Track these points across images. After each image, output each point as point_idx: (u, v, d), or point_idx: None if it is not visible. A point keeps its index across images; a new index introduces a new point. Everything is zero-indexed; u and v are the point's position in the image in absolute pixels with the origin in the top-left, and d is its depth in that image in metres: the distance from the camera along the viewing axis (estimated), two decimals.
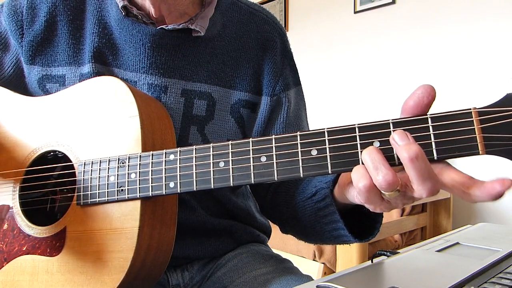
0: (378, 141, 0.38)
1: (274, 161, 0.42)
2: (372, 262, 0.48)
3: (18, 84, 0.64)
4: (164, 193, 0.47)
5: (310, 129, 0.72)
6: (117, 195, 0.49)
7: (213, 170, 0.44)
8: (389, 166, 0.36)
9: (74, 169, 0.53)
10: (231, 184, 0.43)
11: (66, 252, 0.51)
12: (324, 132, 0.40)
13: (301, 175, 0.41)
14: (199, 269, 0.67)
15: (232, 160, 0.44)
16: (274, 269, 0.63)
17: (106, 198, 0.50)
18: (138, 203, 0.48)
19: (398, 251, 0.51)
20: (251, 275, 0.62)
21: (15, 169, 0.57)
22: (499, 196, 0.33)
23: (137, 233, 0.47)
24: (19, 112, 0.59)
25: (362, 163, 0.38)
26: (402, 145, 0.35)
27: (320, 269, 1.67)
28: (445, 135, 0.36)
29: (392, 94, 2.34)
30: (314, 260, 1.70)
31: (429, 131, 0.37)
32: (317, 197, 0.53)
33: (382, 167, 0.36)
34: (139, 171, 0.48)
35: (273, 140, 0.42)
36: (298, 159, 0.41)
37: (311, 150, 0.40)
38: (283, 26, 0.81)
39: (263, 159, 0.42)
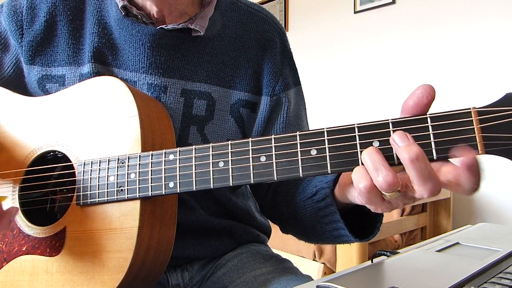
0: (378, 140, 0.38)
1: (274, 161, 0.42)
2: (372, 262, 0.48)
3: (18, 84, 0.64)
4: (163, 193, 0.47)
5: (309, 129, 0.72)
6: (116, 195, 0.49)
7: (212, 170, 0.44)
8: (389, 166, 0.36)
9: (74, 169, 0.53)
10: (231, 184, 0.43)
11: (65, 252, 0.51)
12: (323, 132, 0.40)
13: (301, 175, 0.41)
14: (199, 269, 0.67)
15: (231, 160, 0.43)
16: (274, 269, 0.63)
17: (106, 198, 0.50)
18: (137, 203, 0.48)
19: (398, 251, 0.51)
20: (251, 275, 0.62)
21: (15, 169, 0.57)
22: (474, 166, 0.34)
23: (136, 233, 0.47)
24: (19, 112, 0.59)
25: (362, 164, 0.38)
26: (403, 146, 0.35)
27: (320, 269, 1.67)
28: (445, 134, 0.36)
29: (391, 94, 2.34)
30: (314, 260, 1.70)
31: (429, 131, 0.37)
32: (317, 197, 0.53)
33: (382, 168, 0.36)
34: (139, 171, 0.48)
35: (273, 140, 0.42)
36: (298, 159, 0.41)
37: (310, 150, 0.40)
38: (283, 26, 0.81)
39: (263, 159, 0.42)
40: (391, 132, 0.38)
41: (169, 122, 0.56)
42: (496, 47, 1.95)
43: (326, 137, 0.40)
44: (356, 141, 0.39)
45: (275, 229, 0.80)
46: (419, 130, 0.37)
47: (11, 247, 0.55)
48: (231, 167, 0.43)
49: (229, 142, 0.44)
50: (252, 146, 0.43)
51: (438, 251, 0.52)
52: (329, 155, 0.40)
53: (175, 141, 0.56)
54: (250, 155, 0.43)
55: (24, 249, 0.54)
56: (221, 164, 0.44)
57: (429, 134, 0.37)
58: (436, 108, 0.37)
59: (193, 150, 0.46)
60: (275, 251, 0.73)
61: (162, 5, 0.59)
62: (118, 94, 0.52)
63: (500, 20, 1.93)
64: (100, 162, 0.51)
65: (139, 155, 0.49)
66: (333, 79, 2.65)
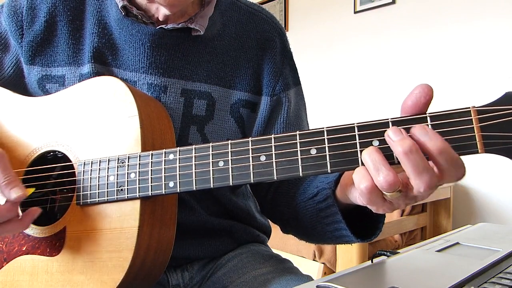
0: (377, 140, 0.38)
1: (274, 160, 0.42)
2: (372, 262, 0.48)
3: (18, 84, 0.64)
4: (163, 192, 0.47)
5: (309, 129, 0.72)
6: (116, 195, 0.49)
7: (212, 170, 0.44)
8: (390, 166, 0.36)
9: (74, 169, 0.53)
10: (231, 184, 0.43)
11: (65, 252, 0.51)
12: (323, 131, 0.40)
13: (301, 174, 0.41)
14: (199, 269, 0.67)
15: (231, 159, 0.43)
16: (274, 269, 0.63)
17: (106, 198, 0.50)
18: (137, 203, 0.48)
19: (398, 251, 0.51)
20: (251, 275, 0.62)
21: (15, 169, 0.57)
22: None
23: (136, 233, 0.47)
24: (19, 112, 0.59)
25: (363, 164, 0.38)
26: (397, 140, 0.35)
27: (320, 269, 1.67)
28: (444, 134, 0.36)
29: (391, 94, 2.34)
30: (314, 260, 1.70)
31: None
32: (318, 198, 0.53)
33: (382, 168, 0.36)
34: (139, 171, 0.48)
35: (273, 140, 0.42)
36: (297, 158, 0.41)
37: (310, 149, 0.40)
38: (283, 26, 0.81)
39: (263, 158, 0.42)
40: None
41: (169, 122, 0.56)
42: (496, 47, 1.95)
43: (325, 137, 0.40)
44: (356, 140, 0.39)
45: (275, 229, 0.80)
46: None
47: (11, 247, 0.55)
48: (231, 167, 0.43)
49: (229, 141, 0.44)
50: (252, 146, 0.43)
51: (438, 251, 0.52)
52: (329, 154, 0.40)
53: (175, 141, 0.56)
54: (250, 155, 0.43)
55: (24, 249, 0.54)
56: (221, 163, 0.44)
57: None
58: (435, 107, 0.38)
59: (193, 150, 0.46)
60: (275, 251, 0.73)
61: (175, 9, 0.58)
62: (118, 94, 0.52)
63: (500, 20, 1.93)
64: (100, 162, 0.51)
65: (139, 155, 0.49)
66: (333, 79, 2.65)
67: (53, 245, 0.52)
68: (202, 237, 0.66)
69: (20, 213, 0.49)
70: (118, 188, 0.49)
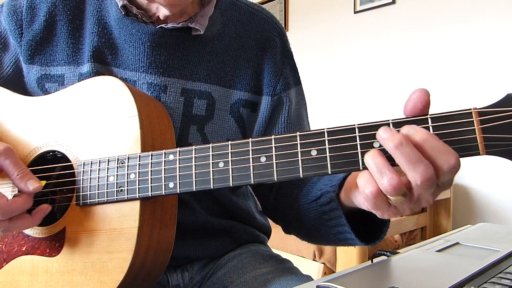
0: (378, 141, 0.38)
1: (274, 161, 0.42)
2: (372, 262, 0.48)
3: (17, 84, 0.64)
4: (163, 193, 0.47)
5: (310, 128, 0.72)
6: (116, 196, 0.49)
7: (212, 171, 0.44)
8: (393, 169, 0.36)
9: (73, 169, 0.53)
10: (231, 185, 0.43)
11: (65, 252, 0.51)
12: (323, 132, 0.40)
13: (301, 176, 0.40)
14: (199, 269, 0.67)
15: (231, 160, 0.43)
16: (274, 269, 0.63)
17: (106, 199, 0.50)
18: (137, 204, 0.48)
19: (398, 251, 0.51)
20: (251, 275, 0.62)
21: None
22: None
23: (136, 234, 0.47)
24: (18, 112, 0.59)
25: (366, 168, 0.38)
26: (387, 137, 0.36)
27: (320, 269, 1.67)
28: (445, 135, 0.36)
29: (392, 94, 2.34)
30: (314, 260, 1.70)
31: (430, 132, 0.37)
32: (322, 200, 0.52)
33: (386, 171, 0.36)
34: (139, 171, 0.48)
35: (273, 140, 0.42)
36: (298, 159, 0.41)
37: (310, 150, 0.40)
38: (283, 26, 0.81)
39: (263, 159, 0.42)
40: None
41: (169, 121, 0.56)
42: (496, 47, 1.95)
43: (326, 138, 0.40)
44: (356, 141, 0.39)
45: (275, 229, 0.80)
46: None
47: (11, 247, 0.55)
48: (231, 168, 0.43)
49: (229, 142, 0.44)
50: (252, 147, 0.43)
51: (438, 251, 0.52)
52: (330, 155, 0.39)
53: (175, 141, 0.56)
54: (250, 156, 0.43)
55: (24, 249, 0.54)
56: (221, 164, 0.44)
57: (434, 134, 0.36)
58: (436, 108, 0.37)
59: (193, 151, 0.46)
60: (275, 251, 0.73)
61: (175, 9, 0.58)
62: (118, 94, 0.52)
63: (500, 20, 1.93)
64: (99, 162, 0.51)
65: (139, 155, 0.49)
66: (333, 79, 2.65)
67: (52, 246, 0.52)
68: (202, 237, 0.66)
69: None
70: (117, 189, 0.49)
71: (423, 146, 0.35)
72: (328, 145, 0.40)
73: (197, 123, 0.62)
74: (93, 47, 0.60)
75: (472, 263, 0.45)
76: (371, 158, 0.37)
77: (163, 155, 0.47)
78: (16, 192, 0.54)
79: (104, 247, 0.49)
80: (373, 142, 0.38)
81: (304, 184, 0.61)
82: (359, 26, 2.51)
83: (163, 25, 0.59)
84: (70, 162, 0.53)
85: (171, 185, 0.46)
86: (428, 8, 2.19)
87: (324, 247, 1.68)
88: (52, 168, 0.56)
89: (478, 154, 0.35)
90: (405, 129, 0.36)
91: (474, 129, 0.35)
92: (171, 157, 0.47)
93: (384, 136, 0.36)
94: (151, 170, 0.47)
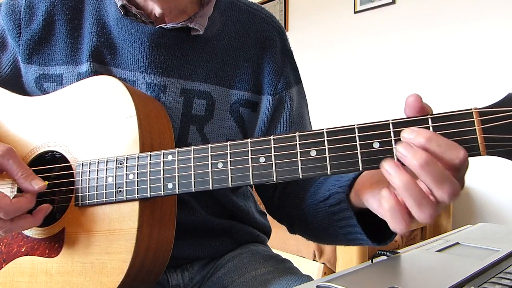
0: (378, 142, 0.38)
1: (273, 161, 0.41)
2: (372, 262, 0.48)
3: (15, 83, 0.64)
4: (162, 194, 0.47)
5: (312, 127, 0.72)
6: (115, 196, 0.49)
7: (211, 171, 0.44)
8: (430, 199, 0.35)
9: (72, 170, 0.53)
10: (230, 185, 0.43)
11: (64, 253, 0.51)
12: (323, 132, 0.40)
13: (300, 176, 0.40)
14: (199, 269, 0.67)
15: (230, 161, 0.43)
16: (274, 269, 0.63)
17: (104, 199, 0.49)
18: (136, 204, 0.48)
19: (398, 251, 0.51)
20: (251, 275, 0.62)
21: None
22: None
23: (135, 235, 0.47)
24: (16, 112, 0.59)
25: (366, 169, 0.37)
26: (410, 155, 0.34)
27: (320, 269, 1.67)
28: (446, 135, 0.36)
29: (392, 94, 2.33)
30: (314, 260, 1.70)
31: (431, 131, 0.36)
32: (330, 201, 0.52)
33: (426, 204, 0.35)
34: (137, 172, 0.48)
35: (272, 141, 0.42)
36: (297, 160, 0.40)
37: (310, 150, 0.40)
38: (283, 25, 0.81)
39: (262, 159, 0.42)
40: (392, 133, 0.37)
41: (168, 121, 0.56)
42: (496, 47, 1.95)
43: (326, 138, 0.40)
44: (356, 142, 0.38)
45: (275, 229, 0.80)
46: None
47: (10, 248, 0.55)
48: (230, 168, 0.43)
49: (228, 143, 0.44)
50: (251, 147, 0.43)
51: (438, 251, 0.52)
52: (329, 156, 0.39)
53: (174, 141, 0.55)
54: (250, 156, 0.42)
55: (23, 250, 0.54)
56: (220, 165, 0.44)
57: (437, 133, 0.36)
58: (437, 108, 0.37)
59: (192, 151, 0.45)
60: (275, 251, 0.73)
61: (165, 5, 0.58)
62: (116, 94, 0.52)
63: (500, 20, 1.93)
64: (98, 162, 0.51)
65: (138, 156, 0.48)
66: (333, 79, 2.65)
67: (52, 246, 0.52)
68: (202, 237, 0.66)
69: None
70: (116, 190, 0.49)
71: (429, 147, 0.35)
72: (328, 145, 0.39)
73: (196, 123, 0.62)
74: (92, 46, 0.60)
75: (472, 263, 0.45)
76: (409, 190, 0.35)
77: (162, 155, 0.47)
78: (15, 192, 0.54)
79: (104, 248, 0.49)
80: (373, 142, 0.38)
81: (310, 184, 0.60)
82: (359, 26, 2.51)
83: (162, 25, 0.59)
84: (69, 162, 0.53)
85: (170, 185, 0.46)
86: (428, 8, 2.19)
87: (324, 247, 1.68)
88: (51, 168, 0.56)
89: (479, 154, 0.35)
90: (405, 134, 0.36)
91: (475, 129, 0.35)
92: (170, 157, 0.46)
93: (405, 154, 0.35)
94: (149, 171, 0.47)
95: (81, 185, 0.51)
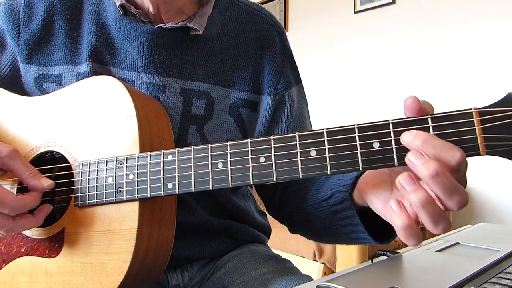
0: (378, 142, 0.38)
1: (273, 161, 0.41)
2: (372, 262, 0.48)
3: (15, 84, 0.64)
4: (162, 194, 0.47)
5: (312, 127, 0.72)
6: (115, 196, 0.49)
7: (211, 171, 0.44)
8: (445, 214, 0.35)
9: (72, 170, 0.53)
10: (230, 185, 0.43)
11: (64, 253, 0.51)
12: (323, 132, 0.40)
13: (300, 176, 0.40)
14: (199, 269, 0.67)
15: (230, 161, 0.43)
16: (274, 269, 0.63)
17: (104, 199, 0.49)
18: (136, 204, 0.48)
19: (398, 251, 0.51)
20: (251, 275, 0.62)
21: None
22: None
23: (135, 235, 0.47)
24: (16, 112, 0.59)
25: (366, 169, 0.37)
26: (420, 164, 0.34)
27: (320, 269, 1.67)
28: (446, 135, 0.36)
29: (392, 94, 2.33)
30: (314, 260, 1.70)
31: (430, 132, 0.36)
32: (333, 200, 0.52)
33: (441, 220, 0.35)
34: (137, 172, 0.48)
35: (272, 141, 0.42)
36: (297, 160, 0.40)
37: (310, 150, 0.40)
38: (283, 26, 0.81)
39: (262, 159, 0.42)
40: (392, 133, 0.38)
41: (168, 121, 0.56)
42: (496, 47, 1.95)
43: (325, 138, 0.40)
44: (356, 142, 0.38)
45: (275, 229, 0.80)
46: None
47: (10, 248, 0.55)
48: (230, 168, 0.43)
49: (228, 143, 0.44)
50: (251, 147, 0.43)
51: (438, 251, 0.52)
52: (329, 156, 0.39)
53: (173, 141, 0.55)
54: (249, 156, 0.42)
55: (23, 250, 0.54)
56: (220, 165, 0.44)
57: (433, 134, 0.36)
58: (437, 108, 0.37)
59: (192, 151, 0.45)
60: (275, 251, 0.73)
61: (157, 1, 0.58)
62: (116, 94, 0.52)
63: (500, 20, 1.93)
64: (98, 163, 0.51)
65: (137, 156, 0.48)
66: (333, 79, 2.65)
67: (52, 247, 0.52)
68: (202, 237, 0.66)
69: None
70: (116, 190, 0.49)
71: (424, 149, 0.35)
72: (328, 145, 0.39)
73: (196, 123, 0.61)
74: (91, 46, 0.60)
75: (472, 263, 0.45)
76: (425, 208, 0.34)
77: (162, 155, 0.47)
78: (15, 192, 0.54)
79: (103, 248, 0.49)
80: (373, 142, 0.38)
81: (311, 183, 0.60)
82: (359, 26, 2.51)
83: (161, 25, 0.59)
84: (69, 162, 0.53)
85: (170, 185, 0.46)
86: (428, 8, 2.19)
87: (324, 247, 1.68)
88: (51, 168, 0.56)
89: (479, 154, 0.35)
90: (404, 137, 0.36)
91: (475, 129, 0.35)
92: (170, 157, 0.46)
93: (416, 163, 0.35)
94: (149, 171, 0.47)
95: (81, 185, 0.51)
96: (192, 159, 0.45)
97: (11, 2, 0.62)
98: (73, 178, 0.52)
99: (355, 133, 0.39)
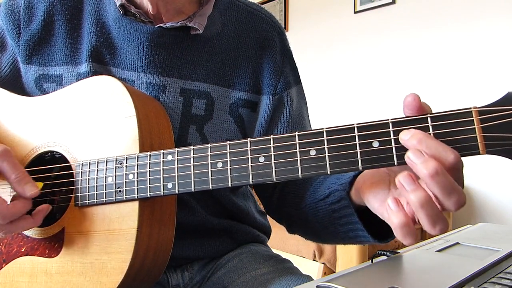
0: (377, 141, 0.38)
1: (273, 161, 0.41)
2: (372, 262, 0.48)
3: (15, 84, 0.64)
4: (162, 193, 0.47)
5: (312, 127, 0.72)
6: (115, 196, 0.49)
7: (211, 171, 0.44)
8: (443, 215, 0.35)
9: (72, 170, 0.53)
10: (230, 185, 0.43)
11: (64, 253, 0.51)
12: (322, 132, 0.40)
13: (300, 176, 0.40)
14: (199, 269, 0.67)
15: (230, 160, 0.43)
16: (274, 269, 0.63)
17: (104, 199, 0.49)
18: (136, 204, 0.48)
19: (398, 251, 0.51)
20: (251, 275, 0.62)
21: None
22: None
23: (135, 234, 0.47)
24: (16, 112, 0.59)
25: (365, 168, 0.37)
26: (420, 162, 0.34)
27: (320, 269, 1.67)
28: (445, 134, 0.36)
29: (391, 94, 2.33)
30: (314, 260, 1.70)
31: (429, 131, 0.36)
32: (331, 199, 0.52)
33: (439, 220, 0.35)
34: (137, 172, 0.48)
35: (271, 140, 0.42)
36: (297, 159, 0.40)
37: (309, 150, 0.40)
38: (283, 26, 0.81)
39: (262, 159, 0.42)
40: (391, 132, 0.38)
41: (168, 121, 0.56)
42: (496, 47, 1.95)
43: (325, 137, 0.40)
44: (355, 141, 0.38)
45: (275, 229, 0.80)
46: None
47: (10, 248, 0.55)
48: (230, 168, 0.43)
49: (228, 142, 0.44)
50: (250, 147, 0.43)
51: (438, 251, 0.52)
52: (329, 155, 0.39)
53: (173, 140, 0.55)
54: (249, 156, 0.42)
55: (23, 250, 0.54)
56: (220, 164, 0.44)
57: (430, 134, 0.36)
58: (436, 108, 0.37)
59: (192, 151, 0.45)
60: (275, 251, 0.73)
61: (156, 0, 0.58)
62: (116, 94, 0.52)
63: (500, 20, 1.93)
64: (98, 162, 0.51)
65: (137, 156, 0.48)
66: (333, 79, 2.65)
67: (52, 247, 0.52)
68: (202, 237, 0.66)
69: None
70: (116, 189, 0.49)
71: (420, 147, 0.35)
72: (327, 145, 0.39)
73: (196, 123, 0.62)
74: (91, 46, 0.60)
75: (472, 263, 0.45)
76: (424, 208, 0.34)
77: (162, 155, 0.47)
78: (14, 193, 0.54)
79: (103, 248, 0.49)
80: (372, 142, 0.38)
81: (309, 183, 0.60)
82: (359, 26, 2.51)
83: (161, 25, 0.59)
84: (69, 162, 0.53)
85: (169, 185, 0.46)
86: (428, 8, 2.19)
87: (324, 247, 1.68)
88: (51, 168, 0.56)
89: (478, 153, 0.35)
90: (402, 136, 0.36)
91: (474, 128, 0.35)
92: (170, 157, 0.46)
93: (416, 161, 0.34)
94: (149, 171, 0.47)
95: (80, 185, 0.51)
96: (191, 159, 0.45)
97: (12, 3, 0.62)
98: (73, 178, 0.52)
99: (354, 133, 0.39)
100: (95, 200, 0.50)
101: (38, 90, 0.61)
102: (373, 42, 2.44)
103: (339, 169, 0.39)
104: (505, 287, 0.38)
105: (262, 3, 2.93)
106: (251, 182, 0.42)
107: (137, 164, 0.48)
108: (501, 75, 1.92)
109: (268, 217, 0.77)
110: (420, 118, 0.37)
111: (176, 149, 0.46)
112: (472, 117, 0.35)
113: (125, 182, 0.48)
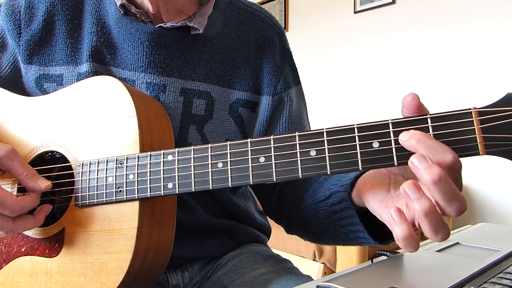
0: (377, 141, 0.38)
1: (273, 161, 0.41)
2: (372, 262, 0.48)
3: (16, 84, 0.64)
4: (162, 194, 0.47)
5: (311, 128, 0.72)
6: (115, 196, 0.49)
7: (211, 171, 0.44)
8: (445, 222, 0.35)
9: (72, 170, 0.53)
10: (230, 185, 0.43)
11: (64, 253, 0.51)
12: (323, 132, 0.40)
13: (300, 176, 0.40)
14: (199, 269, 0.67)
15: (230, 160, 0.43)
16: (274, 269, 0.63)
17: (105, 199, 0.50)
18: (136, 204, 0.48)
19: (398, 251, 0.51)
20: (251, 275, 0.62)
21: None
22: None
23: (135, 234, 0.47)
24: (17, 112, 0.59)
25: (366, 170, 0.37)
26: (423, 168, 0.34)
27: (320, 269, 1.67)
28: (445, 135, 0.36)
29: (391, 94, 2.33)
30: (314, 260, 1.70)
31: (429, 132, 0.36)
32: (331, 200, 0.52)
33: (441, 229, 0.35)
34: (137, 172, 0.48)
35: (272, 141, 0.42)
36: (297, 160, 0.40)
37: (310, 150, 0.40)
38: (283, 26, 0.81)
39: (262, 159, 0.42)
40: (391, 132, 0.38)
41: (168, 121, 0.56)
42: (496, 47, 1.95)
43: (325, 138, 0.40)
44: (355, 141, 0.39)
45: (275, 229, 0.80)
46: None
47: (10, 248, 0.55)
48: (230, 168, 0.43)
49: (228, 142, 0.44)
50: (251, 147, 0.43)
51: (438, 251, 0.52)
52: (329, 155, 0.39)
53: (174, 140, 0.56)
54: (249, 156, 0.42)
55: (23, 250, 0.54)
56: (220, 165, 0.44)
57: (429, 134, 0.36)
58: (436, 108, 0.37)
59: (192, 151, 0.45)
60: (275, 251, 0.73)
61: (156, 0, 0.58)
62: (116, 94, 0.52)
63: (500, 20, 1.93)
64: (98, 162, 0.51)
65: (138, 156, 0.48)
66: (333, 79, 2.65)
67: (52, 246, 0.52)
68: (202, 237, 0.66)
69: None
70: (116, 189, 0.49)
71: (417, 149, 0.35)
72: (327, 145, 0.39)
73: (196, 123, 0.62)
74: (91, 46, 0.60)
75: (472, 263, 0.45)
76: (428, 217, 0.34)
77: (162, 155, 0.47)
78: (15, 192, 0.54)
79: (104, 248, 0.49)
80: (372, 142, 0.38)
81: (309, 184, 0.60)
82: (359, 26, 2.51)
83: (162, 25, 0.59)
84: (69, 162, 0.53)
85: (170, 185, 0.46)
86: (428, 8, 2.19)
87: (324, 247, 1.68)
88: (51, 168, 0.56)
89: (478, 154, 0.35)
90: (401, 137, 0.36)
91: (474, 129, 0.35)
92: (170, 157, 0.47)
93: (419, 166, 0.34)
94: (150, 171, 0.47)
95: (81, 185, 0.51)
96: (192, 159, 0.45)
97: (12, 3, 0.62)
98: (73, 178, 0.52)
99: (354, 133, 0.39)
100: (96, 200, 0.50)
101: (38, 90, 0.61)
102: (373, 42, 2.44)
103: (339, 169, 0.39)
104: (505, 287, 0.38)
105: (262, 3, 2.93)
106: (251, 182, 0.42)
107: (138, 164, 0.48)
108: (501, 76, 1.92)
109: (268, 217, 0.77)
110: (420, 118, 0.37)
111: (177, 149, 0.46)
112: (472, 117, 0.35)
113: (126, 182, 0.48)
